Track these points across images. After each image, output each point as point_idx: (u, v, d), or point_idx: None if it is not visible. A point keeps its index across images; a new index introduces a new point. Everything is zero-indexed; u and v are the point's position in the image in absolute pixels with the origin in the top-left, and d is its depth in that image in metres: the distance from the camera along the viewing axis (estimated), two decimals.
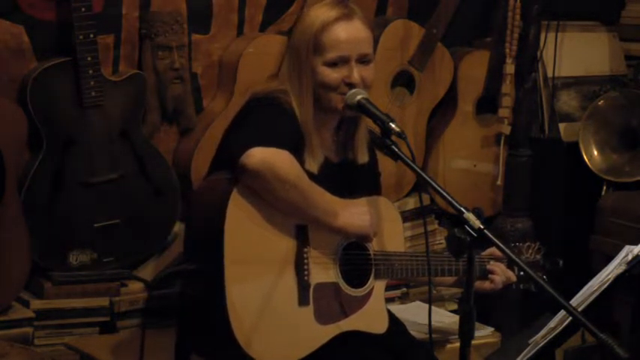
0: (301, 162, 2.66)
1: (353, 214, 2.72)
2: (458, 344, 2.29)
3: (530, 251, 3.17)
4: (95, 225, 3.43)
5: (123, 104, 3.45)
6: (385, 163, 3.06)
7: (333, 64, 2.70)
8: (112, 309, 3.44)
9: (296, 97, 2.73)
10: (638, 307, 4.05)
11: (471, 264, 2.25)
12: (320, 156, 2.75)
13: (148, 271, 3.57)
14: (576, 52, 4.45)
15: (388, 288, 3.30)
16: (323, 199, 2.67)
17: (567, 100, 4.44)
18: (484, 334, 3.49)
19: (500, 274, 3.00)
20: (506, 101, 4.09)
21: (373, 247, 2.82)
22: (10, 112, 3.25)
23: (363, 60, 2.72)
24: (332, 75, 2.70)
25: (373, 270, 2.82)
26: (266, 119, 2.66)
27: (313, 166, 2.72)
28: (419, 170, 2.50)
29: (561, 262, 3.16)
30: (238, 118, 2.74)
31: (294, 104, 2.72)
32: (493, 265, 3.00)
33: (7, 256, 3.26)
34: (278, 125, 2.65)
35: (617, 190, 4.23)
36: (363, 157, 2.86)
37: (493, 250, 3.01)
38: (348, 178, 2.84)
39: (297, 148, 2.65)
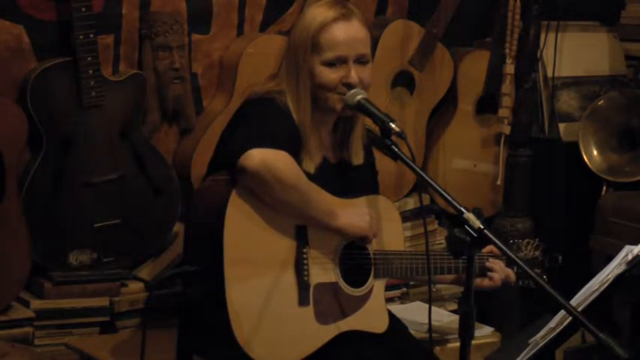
0: (298, 162, 2.66)
1: (352, 214, 2.72)
2: (458, 344, 2.29)
3: (529, 248, 3.17)
4: (95, 225, 3.43)
5: (123, 104, 3.45)
6: (385, 163, 3.06)
7: (331, 64, 2.69)
8: (112, 309, 3.44)
9: (293, 98, 2.72)
10: (638, 307, 4.05)
11: (471, 264, 2.25)
12: (317, 156, 2.75)
13: (147, 271, 3.58)
14: (576, 52, 4.45)
15: (388, 288, 3.31)
16: (322, 199, 2.68)
17: (567, 100, 4.44)
18: (484, 334, 3.49)
19: (500, 271, 3.00)
20: (506, 101, 4.09)
21: (373, 246, 2.82)
22: (10, 112, 3.25)
23: (361, 60, 2.72)
24: (330, 75, 2.70)
25: (373, 269, 2.82)
26: (263, 120, 2.66)
27: (310, 167, 2.72)
28: (419, 170, 2.50)
29: (560, 258, 3.16)
30: (235, 119, 2.74)
31: (291, 104, 2.72)
32: (492, 263, 3.00)
33: (7, 256, 3.26)
34: (275, 126, 2.65)
35: (617, 190, 4.23)
36: (358, 159, 2.85)
37: (492, 247, 3.00)
38: (346, 178, 2.84)
39: (293, 148, 2.65)
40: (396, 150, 2.53)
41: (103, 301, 3.43)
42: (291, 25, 3.71)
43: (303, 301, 2.66)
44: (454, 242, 2.26)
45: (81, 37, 3.28)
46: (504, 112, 4.10)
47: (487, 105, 4.22)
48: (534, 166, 4.15)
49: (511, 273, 3.03)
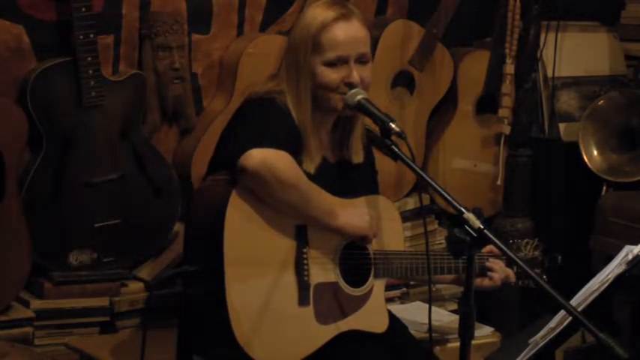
0: (298, 162, 2.66)
1: (352, 214, 2.72)
2: (458, 344, 2.29)
3: (528, 248, 3.16)
4: (95, 225, 3.43)
5: (123, 104, 3.45)
6: (385, 163, 3.06)
7: (332, 64, 2.69)
8: (112, 309, 3.44)
9: (293, 98, 2.72)
10: (638, 307, 4.05)
11: (471, 264, 2.25)
12: (317, 156, 2.75)
13: (147, 271, 3.58)
14: (576, 52, 4.45)
15: (388, 288, 3.31)
16: (322, 199, 2.68)
17: (567, 100, 4.44)
18: (484, 334, 3.49)
19: (500, 271, 3.00)
20: (506, 101, 4.09)
21: (373, 246, 2.82)
22: (10, 112, 3.25)
23: (362, 60, 2.72)
24: (331, 75, 2.69)
25: (373, 269, 2.82)
26: (263, 120, 2.66)
27: (310, 167, 2.72)
28: (419, 170, 2.50)
29: (560, 258, 3.16)
30: (235, 118, 2.74)
31: (291, 105, 2.72)
32: (492, 263, 3.00)
33: (7, 256, 3.26)
34: (275, 126, 2.65)
35: (617, 190, 4.23)
36: (357, 158, 2.85)
37: (492, 247, 3.00)
38: (346, 178, 2.84)
39: (293, 148, 2.65)
40: (396, 150, 2.53)
41: (103, 301, 3.43)
42: (291, 25, 3.71)
43: (303, 301, 2.66)
44: (454, 242, 2.26)
45: (81, 37, 3.28)
46: (504, 112, 4.10)
47: (487, 105, 4.22)
48: (534, 166, 4.15)
49: (511, 273, 3.03)
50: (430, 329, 2.81)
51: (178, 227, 3.57)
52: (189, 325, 2.73)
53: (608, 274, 2.38)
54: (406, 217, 3.91)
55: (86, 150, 3.39)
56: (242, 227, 2.57)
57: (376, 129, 2.64)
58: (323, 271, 2.71)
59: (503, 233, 4.02)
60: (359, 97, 2.66)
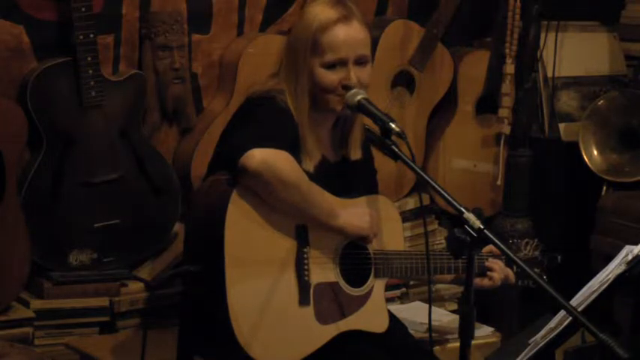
0: (298, 161, 2.66)
1: (353, 214, 2.72)
2: (458, 344, 2.29)
3: (528, 248, 3.16)
4: (95, 225, 3.43)
5: (123, 104, 3.45)
6: (385, 163, 3.06)
7: (331, 66, 2.69)
8: (112, 309, 3.44)
9: (293, 97, 2.72)
10: (638, 308, 4.05)
11: (471, 264, 2.25)
12: (316, 155, 2.75)
13: (147, 271, 3.58)
14: (576, 52, 4.45)
15: (388, 288, 3.31)
16: (323, 199, 2.68)
17: (567, 100, 4.45)
18: (484, 334, 3.49)
19: (499, 271, 3.00)
20: (506, 101, 4.09)
21: (373, 246, 2.82)
22: (10, 112, 3.25)
23: (361, 61, 2.71)
24: (330, 77, 2.69)
25: (373, 269, 2.82)
26: (263, 119, 2.66)
27: (309, 165, 2.72)
28: (419, 170, 2.50)
29: (560, 258, 3.16)
30: (235, 118, 2.74)
31: (291, 104, 2.72)
32: (492, 263, 3.00)
33: (7, 256, 3.26)
34: (276, 125, 2.65)
35: (617, 190, 4.23)
36: (355, 154, 2.85)
37: (492, 247, 3.00)
38: (345, 177, 2.84)
39: (294, 147, 2.65)
40: (396, 150, 2.53)
41: (103, 301, 3.43)
42: (292, 25, 3.71)
43: (303, 300, 2.66)
44: (454, 242, 2.26)
45: (81, 37, 3.28)
46: (504, 112, 4.10)
47: (487, 105, 4.22)
48: (534, 166, 4.15)
49: (510, 273, 3.03)
50: (430, 329, 2.81)
51: (178, 227, 3.57)
52: (190, 325, 2.73)
53: (608, 274, 2.38)
54: (406, 217, 3.91)
55: (86, 150, 3.39)
56: (243, 227, 2.57)
57: (376, 129, 2.64)
58: (323, 271, 2.72)
59: (503, 233, 4.02)
60: (359, 97, 2.66)
